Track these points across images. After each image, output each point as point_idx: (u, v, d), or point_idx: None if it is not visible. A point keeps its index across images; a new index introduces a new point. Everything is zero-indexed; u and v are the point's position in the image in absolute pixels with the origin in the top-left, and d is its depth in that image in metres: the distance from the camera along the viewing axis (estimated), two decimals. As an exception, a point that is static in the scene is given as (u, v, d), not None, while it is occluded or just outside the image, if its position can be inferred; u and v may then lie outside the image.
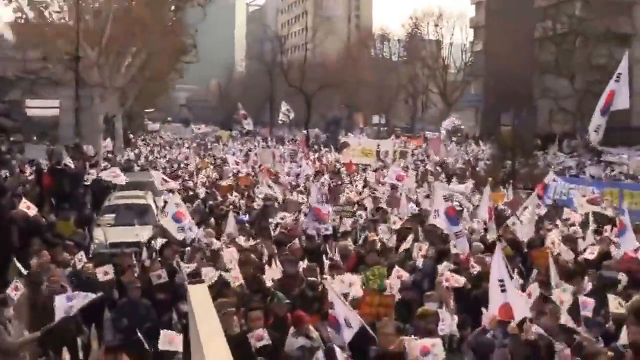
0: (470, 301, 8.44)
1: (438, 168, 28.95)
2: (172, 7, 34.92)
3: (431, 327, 7.31)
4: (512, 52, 48.29)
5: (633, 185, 21.59)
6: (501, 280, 6.98)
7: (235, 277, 8.98)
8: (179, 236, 12.23)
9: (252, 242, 11.46)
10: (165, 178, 17.28)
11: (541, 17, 49.92)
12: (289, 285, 8.89)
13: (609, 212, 13.87)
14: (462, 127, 70.26)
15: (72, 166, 17.60)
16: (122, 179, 17.45)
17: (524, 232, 11.51)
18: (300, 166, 25.68)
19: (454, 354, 7.41)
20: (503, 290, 6.96)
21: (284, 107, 34.63)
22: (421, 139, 49.04)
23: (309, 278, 8.87)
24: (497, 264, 7.15)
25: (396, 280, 8.60)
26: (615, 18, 42.80)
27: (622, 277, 8.98)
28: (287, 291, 8.56)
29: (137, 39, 31.15)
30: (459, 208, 13.45)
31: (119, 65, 31.01)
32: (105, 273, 9.57)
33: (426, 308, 7.96)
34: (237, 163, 25.12)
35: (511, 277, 7.30)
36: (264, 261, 10.18)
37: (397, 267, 8.81)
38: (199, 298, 3.70)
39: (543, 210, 14.85)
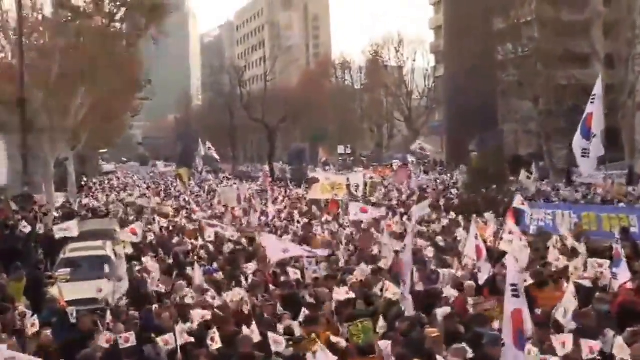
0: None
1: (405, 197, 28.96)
2: (124, 43, 34.44)
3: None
4: (474, 75, 49.05)
5: (612, 209, 21.77)
6: (514, 285, 7.08)
7: (212, 339, 8.50)
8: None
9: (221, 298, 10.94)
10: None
11: (500, 40, 50.95)
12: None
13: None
14: (429, 154, 71.19)
15: (27, 230, 16.86)
16: (75, 231, 16.78)
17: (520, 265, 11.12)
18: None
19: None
20: (515, 296, 7.06)
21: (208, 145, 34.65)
22: (389, 169, 49.20)
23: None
24: (511, 270, 7.43)
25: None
26: (573, 39, 44.00)
27: None
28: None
29: (87, 77, 30.50)
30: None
31: (69, 106, 30.25)
32: None
33: None
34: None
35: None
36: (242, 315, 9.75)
37: (381, 320, 8.35)
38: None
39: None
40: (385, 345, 7.66)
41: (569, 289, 8.99)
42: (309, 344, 7.69)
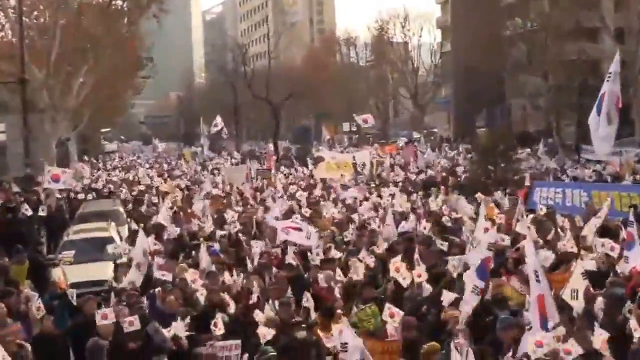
0: (487, 329, 7.99)
1: (413, 176, 28.78)
2: (125, 21, 34.13)
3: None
4: (481, 51, 48.62)
5: (623, 187, 21.53)
6: (536, 272, 7.10)
7: (216, 325, 8.47)
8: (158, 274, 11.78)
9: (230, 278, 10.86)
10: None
11: (509, 14, 50.39)
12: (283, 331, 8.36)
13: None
14: (436, 130, 70.88)
15: (29, 213, 16.83)
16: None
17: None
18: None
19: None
20: (537, 281, 7.12)
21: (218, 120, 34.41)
22: (395, 146, 48.96)
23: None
24: (531, 256, 7.43)
25: (391, 319, 8.07)
26: (584, 13, 43.37)
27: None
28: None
29: (88, 56, 30.27)
30: None
31: (71, 85, 30.07)
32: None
33: (433, 344, 7.51)
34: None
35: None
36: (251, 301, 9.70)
37: (388, 305, 8.27)
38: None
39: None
40: (400, 328, 7.63)
41: (577, 269, 8.90)
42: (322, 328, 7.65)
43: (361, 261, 11.34)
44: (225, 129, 35.81)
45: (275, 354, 7.60)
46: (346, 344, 6.84)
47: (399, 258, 10.11)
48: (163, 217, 16.53)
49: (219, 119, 36.63)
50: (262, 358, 7.47)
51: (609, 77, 12.58)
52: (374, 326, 7.96)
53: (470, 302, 8.38)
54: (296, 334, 8.11)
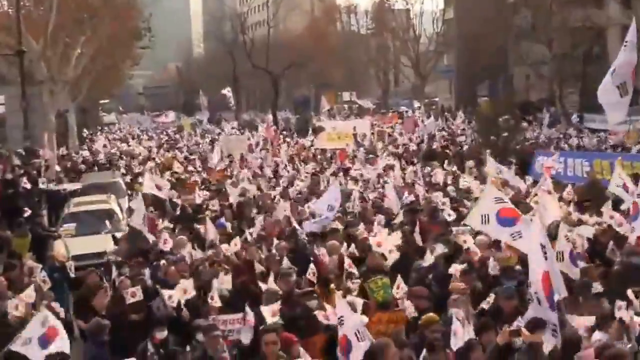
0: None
1: (414, 145, 28.71)
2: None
3: (436, 338, 6.90)
4: (484, 18, 48.10)
5: (625, 155, 21.48)
6: (543, 247, 6.89)
7: (212, 298, 8.59)
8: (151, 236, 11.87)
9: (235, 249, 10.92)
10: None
11: (513, -21, 49.62)
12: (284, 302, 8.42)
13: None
14: (437, 99, 70.48)
15: (28, 186, 16.84)
16: None
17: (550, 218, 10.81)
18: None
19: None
20: (545, 257, 6.91)
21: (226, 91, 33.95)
22: (395, 116, 48.76)
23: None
24: (538, 230, 7.19)
25: (401, 291, 8.13)
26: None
27: None
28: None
29: (86, 26, 30.01)
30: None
31: (68, 56, 29.86)
32: None
33: (431, 315, 7.59)
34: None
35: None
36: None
37: (399, 278, 8.33)
38: None
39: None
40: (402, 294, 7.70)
41: (561, 231, 8.90)
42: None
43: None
44: (232, 98, 35.27)
45: (282, 322, 7.68)
46: (342, 317, 6.88)
47: (381, 233, 10.11)
48: (147, 185, 16.40)
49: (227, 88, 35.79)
50: (268, 327, 7.54)
51: (625, 45, 12.32)
52: (382, 297, 7.99)
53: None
54: (307, 303, 8.16)
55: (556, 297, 6.86)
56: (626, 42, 12.15)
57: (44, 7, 26.65)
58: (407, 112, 52.75)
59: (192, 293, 8.92)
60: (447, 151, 25.97)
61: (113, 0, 31.17)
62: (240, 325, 7.67)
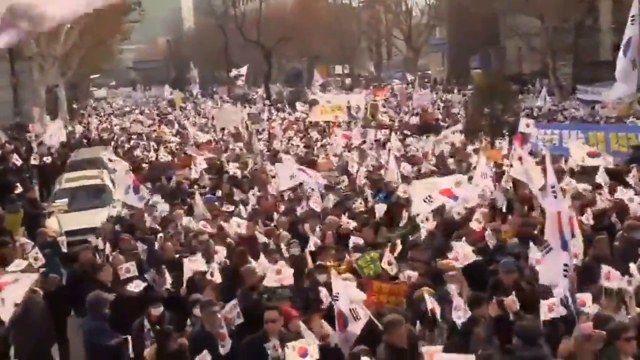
0: (485, 277, 7.95)
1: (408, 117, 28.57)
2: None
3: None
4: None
5: (619, 127, 21.43)
6: (553, 187, 7.03)
7: (212, 274, 8.44)
8: (141, 204, 11.66)
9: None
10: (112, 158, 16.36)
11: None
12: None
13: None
14: (429, 72, 70.06)
15: (18, 162, 16.58)
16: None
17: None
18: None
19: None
20: (555, 197, 7.01)
21: (237, 71, 33.35)
22: (388, 89, 48.46)
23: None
24: (549, 170, 7.37)
25: (389, 266, 8.03)
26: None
27: None
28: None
29: (74, 0, 29.42)
30: None
31: (57, 32, 29.34)
32: None
33: (426, 289, 7.49)
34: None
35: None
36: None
37: (387, 254, 8.20)
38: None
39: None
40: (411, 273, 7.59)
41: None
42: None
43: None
44: (243, 76, 34.49)
45: (290, 295, 7.58)
46: (337, 294, 6.83)
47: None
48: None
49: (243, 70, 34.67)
50: (275, 296, 7.43)
51: (633, 20, 12.19)
52: (373, 271, 7.90)
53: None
54: (317, 277, 8.05)
55: (569, 239, 6.87)
56: (633, 16, 12.01)
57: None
58: (400, 84, 52.40)
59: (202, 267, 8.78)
60: (443, 123, 25.86)
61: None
62: (236, 310, 7.53)
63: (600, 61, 47.14)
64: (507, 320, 6.58)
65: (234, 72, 33.68)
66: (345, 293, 6.81)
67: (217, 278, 8.48)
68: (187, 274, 8.68)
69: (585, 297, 6.56)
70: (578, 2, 41.45)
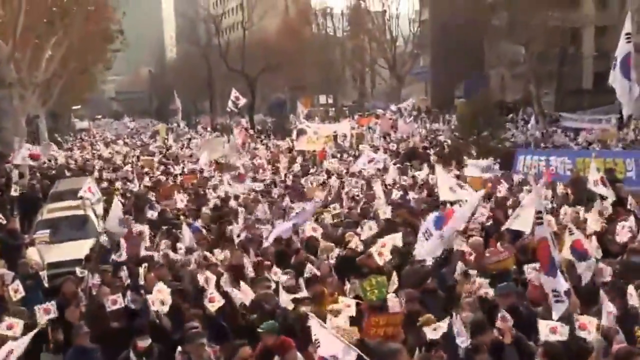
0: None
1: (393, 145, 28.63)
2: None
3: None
4: (460, 18, 48.33)
5: (607, 153, 21.65)
6: (538, 212, 7.08)
7: (213, 299, 8.23)
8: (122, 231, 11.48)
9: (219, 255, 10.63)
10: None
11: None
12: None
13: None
14: (414, 101, 70.62)
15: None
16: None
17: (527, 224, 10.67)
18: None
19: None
20: (539, 224, 7.08)
21: (233, 94, 33.24)
22: (372, 117, 48.71)
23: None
24: (536, 198, 7.51)
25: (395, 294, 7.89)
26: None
27: None
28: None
29: (56, 27, 29.36)
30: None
31: (39, 58, 29.20)
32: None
33: (428, 316, 7.38)
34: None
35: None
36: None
37: (394, 276, 8.06)
38: None
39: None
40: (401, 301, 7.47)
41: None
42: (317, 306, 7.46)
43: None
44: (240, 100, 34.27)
45: (277, 324, 7.43)
46: (317, 339, 6.37)
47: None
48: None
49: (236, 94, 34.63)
50: (266, 326, 7.28)
51: (628, 39, 12.43)
52: (377, 297, 7.68)
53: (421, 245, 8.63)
54: (302, 308, 7.89)
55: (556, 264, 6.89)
56: (628, 34, 12.25)
57: (13, 6, 25.91)
58: (384, 114, 52.74)
59: (168, 302, 8.59)
60: (428, 151, 25.95)
61: (84, 0, 30.48)
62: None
63: (582, 89, 47.96)
64: (502, 345, 6.50)
65: (233, 95, 33.50)
66: (327, 340, 6.35)
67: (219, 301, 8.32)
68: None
69: (587, 320, 6.48)
70: (561, 30, 42.19)
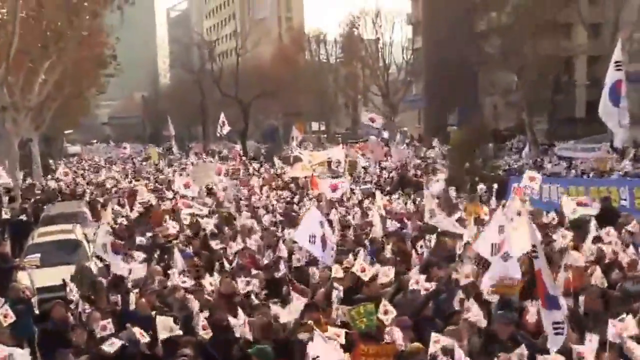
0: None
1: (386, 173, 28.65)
2: (87, 17, 33.25)
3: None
4: (453, 46, 48.80)
5: (600, 181, 21.77)
6: (534, 246, 6.91)
7: (204, 327, 8.21)
8: (124, 271, 11.43)
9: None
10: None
11: (483, 8, 50.52)
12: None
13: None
14: (406, 129, 70.95)
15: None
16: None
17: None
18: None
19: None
20: (535, 257, 6.92)
21: (221, 119, 33.43)
22: (365, 145, 48.80)
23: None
24: (530, 230, 7.31)
25: (384, 315, 7.80)
26: (560, 7, 43.72)
27: None
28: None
29: (50, 51, 29.51)
30: None
31: (32, 82, 29.28)
32: None
33: (416, 345, 7.31)
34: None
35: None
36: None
37: (384, 302, 7.97)
38: None
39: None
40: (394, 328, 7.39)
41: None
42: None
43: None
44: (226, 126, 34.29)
45: (270, 349, 7.36)
46: (317, 356, 6.37)
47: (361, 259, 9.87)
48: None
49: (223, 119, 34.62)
50: (256, 351, 7.22)
51: (618, 66, 12.65)
52: (365, 325, 7.57)
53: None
54: (299, 335, 7.82)
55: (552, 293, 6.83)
56: (617, 62, 12.45)
57: (6, 30, 26.03)
58: (376, 140, 52.91)
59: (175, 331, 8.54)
60: (421, 180, 26.00)
61: (78, 24, 30.63)
62: None
63: (575, 118, 48.38)
64: None
65: (221, 120, 33.64)
66: (325, 356, 6.38)
67: (208, 332, 8.26)
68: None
69: (584, 350, 6.47)
70: (554, 58, 42.65)
